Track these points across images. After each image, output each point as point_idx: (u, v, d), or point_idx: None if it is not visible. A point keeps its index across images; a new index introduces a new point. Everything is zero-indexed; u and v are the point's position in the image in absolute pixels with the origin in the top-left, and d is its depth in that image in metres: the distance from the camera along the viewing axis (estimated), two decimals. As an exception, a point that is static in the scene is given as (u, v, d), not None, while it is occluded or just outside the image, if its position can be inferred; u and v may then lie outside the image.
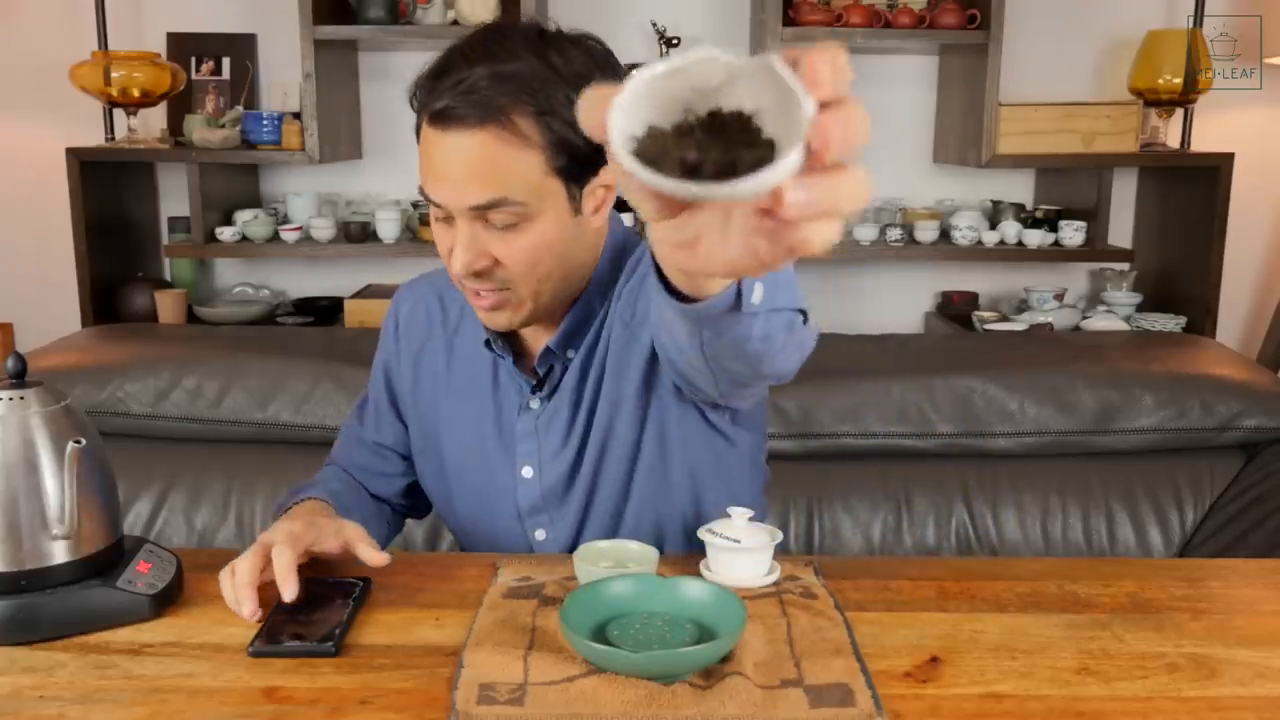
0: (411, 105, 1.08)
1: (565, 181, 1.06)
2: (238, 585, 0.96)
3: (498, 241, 1.07)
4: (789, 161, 0.44)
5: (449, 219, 1.08)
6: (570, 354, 1.17)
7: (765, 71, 0.46)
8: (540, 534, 1.22)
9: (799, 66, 0.45)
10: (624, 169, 0.47)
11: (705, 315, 0.75)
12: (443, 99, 1.02)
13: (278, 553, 0.97)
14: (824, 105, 0.45)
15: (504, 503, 1.22)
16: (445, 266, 1.14)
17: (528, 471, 1.20)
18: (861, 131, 0.46)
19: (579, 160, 1.06)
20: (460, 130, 1.02)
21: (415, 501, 1.35)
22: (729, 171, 0.45)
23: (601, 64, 1.07)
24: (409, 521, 1.44)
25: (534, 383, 1.19)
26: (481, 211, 1.05)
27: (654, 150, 0.46)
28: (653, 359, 1.11)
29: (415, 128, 1.09)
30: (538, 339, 1.19)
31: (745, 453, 1.22)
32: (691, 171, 0.46)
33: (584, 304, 1.16)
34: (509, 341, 1.19)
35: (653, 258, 0.73)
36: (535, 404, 1.19)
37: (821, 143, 0.45)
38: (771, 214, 0.47)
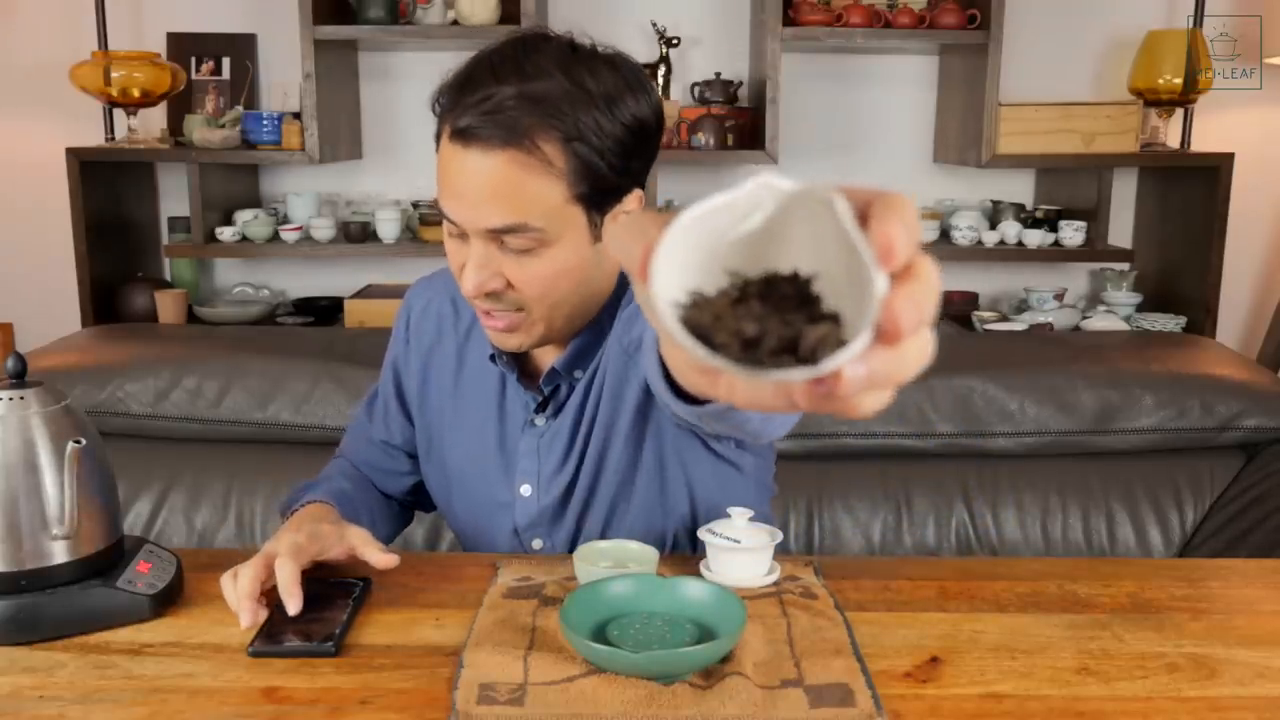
0: (433, 110, 1.06)
1: (587, 209, 1.04)
2: (239, 595, 0.96)
3: (512, 264, 1.04)
4: (858, 346, 0.40)
5: (463, 235, 1.05)
6: (577, 374, 1.15)
7: (826, 214, 0.41)
8: (537, 543, 1.21)
9: (869, 227, 0.40)
10: (673, 339, 0.42)
11: (707, 413, 0.73)
12: (466, 116, 0.99)
13: (281, 565, 0.97)
14: (896, 276, 0.40)
15: (501, 516, 1.21)
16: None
17: (526, 490, 1.19)
18: (936, 300, 0.41)
19: (603, 187, 1.03)
20: (482, 150, 0.99)
21: (423, 498, 1.34)
22: (790, 347, 0.41)
23: (633, 85, 1.04)
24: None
25: (539, 400, 1.17)
26: (497, 235, 1.02)
27: (704, 317, 0.42)
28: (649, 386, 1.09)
29: (435, 135, 1.06)
30: (545, 357, 1.18)
31: (751, 475, 1.21)
32: (747, 345, 0.41)
33: (595, 326, 1.14)
34: (515, 357, 1.18)
35: (660, 357, 0.68)
36: (540, 421, 1.18)
37: (893, 325, 0.40)
38: (821, 381, 0.42)
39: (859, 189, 0.42)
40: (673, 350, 0.45)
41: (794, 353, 0.41)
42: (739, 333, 0.41)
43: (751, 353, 0.41)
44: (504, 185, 1.00)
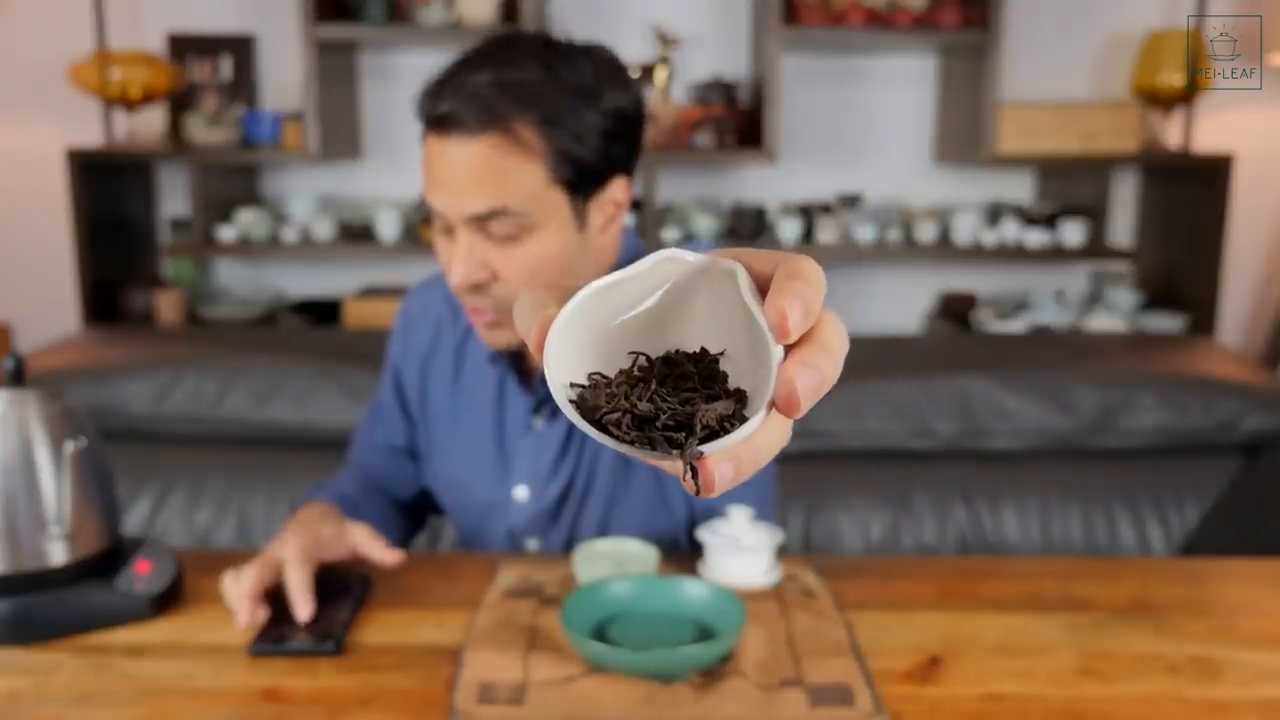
0: (417, 116, 1.07)
1: (570, 195, 1.04)
2: (238, 595, 0.96)
3: (497, 253, 1.04)
4: (754, 423, 0.39)
5: (450, 231, 1.06)
6: None
7: (730, 287, 0.41)
8: (532, 544, 1.21)
9: (766, 298, 0.38)
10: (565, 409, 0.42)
11: None
12: (444, 104, 1.01)
13: (291, 571, 0.97)
14: (792, 347, 0.38)
15: (496, 517, 1.21)
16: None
17: (522, 492, 1.19)
18: (834, 363, 0.38)
19: (585, 174, 1.04)
20: (461, 137, 1.01)
21: (434, 500, 1.34)
22: (687, 423, 0.39)
23: (610, 77, 1.05)
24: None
25: (536, 402, 1.17)
26: (481, 222, 1.03)
27: (600, 398, 0.41)
28: None
29: (422, 138, 1.07)
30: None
31: (750, 480, 1.20)
32: (641, 424, 0.40)
33: None
34: (514, 359, 1.18)
35: None
36: (540, 424, 1.18)
37: (788, 393, 0.38)
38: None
39: (766, 255, 0.40)
40: None
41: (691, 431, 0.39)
42: (631, 410, 0.40)
43: (645, 431, 0.40)
44: (484, 170, 1.01)
